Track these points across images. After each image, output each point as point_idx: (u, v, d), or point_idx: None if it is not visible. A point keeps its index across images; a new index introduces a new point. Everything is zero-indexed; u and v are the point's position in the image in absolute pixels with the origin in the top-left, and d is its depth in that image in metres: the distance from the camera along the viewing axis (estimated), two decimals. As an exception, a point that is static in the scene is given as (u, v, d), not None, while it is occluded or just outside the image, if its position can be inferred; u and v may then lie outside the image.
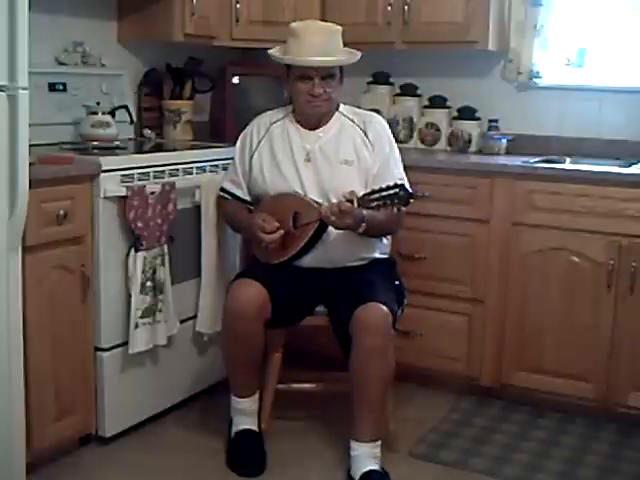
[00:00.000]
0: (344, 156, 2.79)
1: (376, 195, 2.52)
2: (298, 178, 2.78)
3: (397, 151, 2.87)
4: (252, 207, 2.92)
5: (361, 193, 2.58)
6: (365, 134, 2.81)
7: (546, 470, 2.80)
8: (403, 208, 2.57)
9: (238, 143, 2.95)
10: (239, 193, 2.93)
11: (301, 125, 2.84)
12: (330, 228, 2.68)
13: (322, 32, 2.75)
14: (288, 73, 2.78)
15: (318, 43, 2.70)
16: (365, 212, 2.57)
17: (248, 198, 2.93)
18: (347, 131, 2.82)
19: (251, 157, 2.88)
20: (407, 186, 2.58)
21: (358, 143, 2.80)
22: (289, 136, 2.84)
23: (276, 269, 2.78)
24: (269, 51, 2.82)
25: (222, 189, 2.98)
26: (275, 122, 2.89)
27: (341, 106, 2.87)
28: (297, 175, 2.79)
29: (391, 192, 2.50)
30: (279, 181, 2.81)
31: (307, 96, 2.73)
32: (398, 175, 2.80)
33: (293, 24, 2.78)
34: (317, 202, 2.73)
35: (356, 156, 2.79)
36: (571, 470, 2.81)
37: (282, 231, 2.72)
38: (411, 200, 2.54)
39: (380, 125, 2.87)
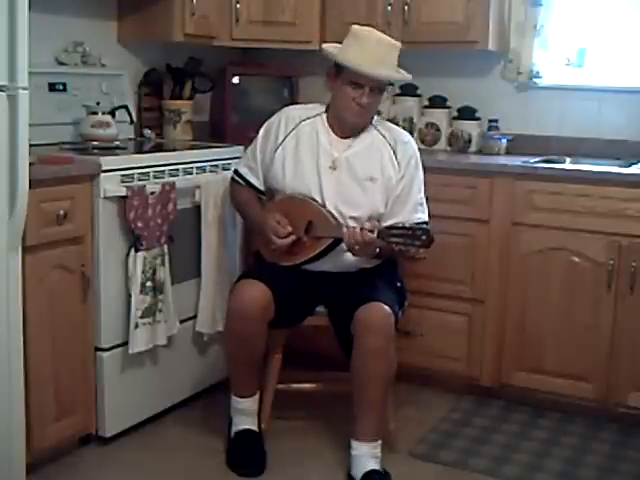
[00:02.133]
0: (370, 172, 2.73)
1: (399, 231, 2.48)
2: (319, 184, 2.72)
3: (422, 174, 2.82)
4: (264, 197, 2.88)
5: (384, 225, 2.56)
6: (394, 152, 2.76)
7: (546, 470, 2.80)
8: (421, 251, 2.53)
9: (262, 131, 2.87)
10: (255, 182, 2.87)
11: (332, 130, 2.77)
12: (341, 245, 2.64)
13: (385, 44, 2.67)
14: (337, 73, 2.69)
15: (381, 54, 2.64)
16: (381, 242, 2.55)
17: (262, 188, 2.87)
18: (377, 146, 2.76)
19: (275, 150, 2.80)
20: (430, 229, 2.52)
21: (386, 161, 2.75)
22: (318, 139, 2.76)
23: (280, 270, 2.76)
24: (324, 46, 2.74)
25: (237, 172, 2.93)
26: (305, 119, 2.80)
27: (375, 119, 2.81)
28: (318, 181, 2.72)
29: (415, 234, 2.45)
30: (298, 182, 2.75)
31: (352, 103, 2.66)
32: (419, 200, 2.76)
33: (356, 27, 2.70)
34: (334, 217, 2.68)
35: (381, 174, 2.73)
36: (571, 470, 2.81)
37: (294, 237, 2.69)
38: (431, 241, 2.47)
39: (410, 146, 2.81)
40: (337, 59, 2.67)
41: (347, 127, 2.76)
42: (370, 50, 2.63)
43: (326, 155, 2.75)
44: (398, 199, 2.73)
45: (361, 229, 2.54)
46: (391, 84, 3.88)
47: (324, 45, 2.76)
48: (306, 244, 2.71)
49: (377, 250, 2.60)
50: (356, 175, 2.73)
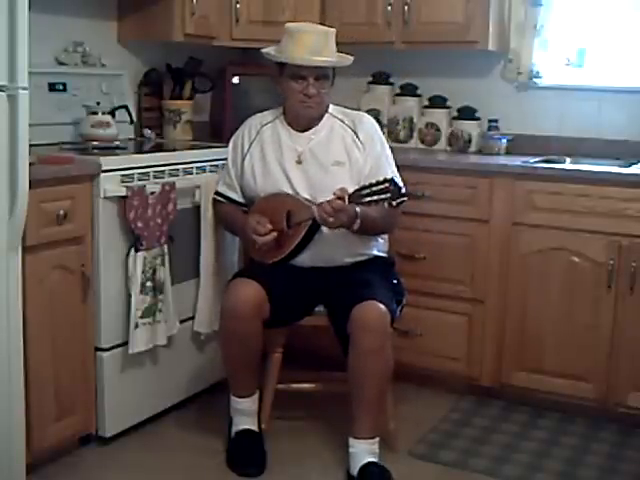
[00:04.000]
0: (335, 157, 2.79)
1: (367, 190, 2.51)
2: (288, 180, 2.79)
3: (388, 149, 2.88)
4: (247, 209, 2.92)
5: (351, 189, 2.57)
6: (355, 134, 2.82)
7: (546, 470, 2.80)
8: (394, 202, 2.56)
9: (230, 146, 2.96)
10: (234, 196, 2.94)
11: (292, 127, 2.85)
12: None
13: (317, 33, 2.75)
14: (281, 72, 2.77)
15: (314, 43, 2.71)
16: (358, 209, 2.57)
17: (243, 200, 2.94)
18: (337, 132, 2.83)
19: (243, 160, 2.89)
20: (398, 181, 2.57)
21: (349, 144, 2.80)
22: (280, 138, 2.85)
23: (274, 269, 2.78)
24: (263, 50, 2.81)
25: (217, 193, 3.00)
26: (265, 124, 2.90)
27: (330, 107, 2.87)
28: (287, 177, 2.79)
29: (382, 186, 2.48)
30: (270, 183, 2.82)
31: (300, 96, 2.74)
32: (391, 174, 2.78)
33: (289, 24, 2.81)
34: (309, 201, 2.73)
35: (347, 157, 2.79)
36: (571, 470, 2.81)
37: (275, 233, 2.73)
38: (402, 193, 2.54)
39: (370, 124, 2.87)
40: (275, 58, 2.76)
41: (303, 120, 2.83)
42: (303, 42, 2.70)
43: (290, 151, 2.82)
44: (368, 177, 2.73)
45: (329, 201, 2.56)
46: (389, 83, 3.89)
47: (263, 49, 2.82)
48: (289, 234, 2.75)
49: (356, 223, 2.60)
50: (322, 163, 2.78)
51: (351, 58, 2.82)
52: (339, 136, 2.82)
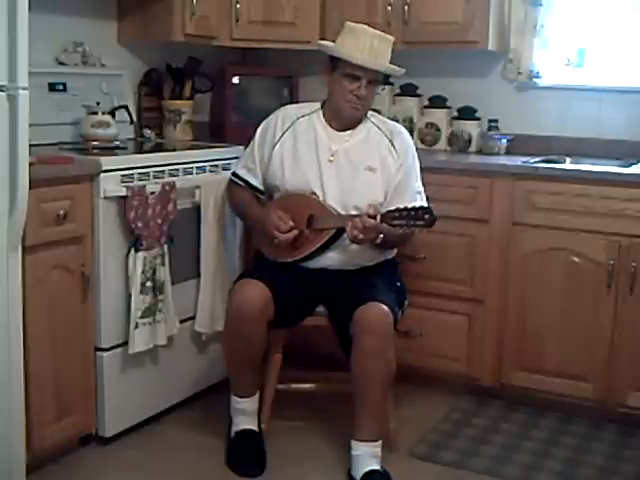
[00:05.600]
0: (368, 162, 2.76)
1: (401, 214, 2.51)
2: (319, 177, 2.75)
3: (418, 164, 2.86)
4: (263, 197, 2.90)
5: (385, 209, 2.57)
6: (391, 143, 2.80)
7: (546, 470, 2.80)
8: (425, 230, 2.55)
9: (259, 130, 2.90)
10: (254, 181, 2.89)
11: (330, 124, 2.81)
12: (344, 235, 2.65)
13: (379, 37, 2.71)
14: (333, 68, 2.73)
15: (376, 46, 2.68)
16: (385, 226, 2.56)
17: (262, 187, 2.89)
18: (374, 138, 2.80)
19: (272, 147, 2.83)
20: (432, 208, 2.55)
21: (384, 151, 2.79)
22: (316, 134, 2.80)
23: (279, 269, 2.77)
24: (320, 41, 2.78)
25: (234, 174, 2.95)
26: (301, 117, 2.85)
27: (369, 113, 2.85)
28: (319, 174, 2.76)
29: (417, 214, 2.48)
30: (298, 177, 2.77)
31: (350, 96, 2.71)
32: (417, 188, 2.80)
33: (350, 23, 2.76)
34: (334, 209, 2.71)
35: (380, 164, 2.76)
36: (571, 470, 2.81)
37: (296, 231, 2.70)
38: (434, 222, 2.52)
39: (406, 136, 2.87)
40: (334, 52, 2.72)
41: (344, 120, 2.79)
42: (365, 43, 2.67)
43: (324, 148, 2.78)
44: (397, 188, 2.75)
45: (361, 216, 2.55)
46: (389, 83, 3.89)
47: (320, 41, 2.80)
48: (309, 238, 2.73)
49: (379, 238, 2.60)
50: (355, 166, 2.76)
51: (403, 70, 2.81)
52: (375, 142, 2.80)
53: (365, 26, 2.74)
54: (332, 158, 2.77)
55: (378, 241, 2.61)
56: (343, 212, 2.70)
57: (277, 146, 2.83)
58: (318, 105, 2.87)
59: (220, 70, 3.87)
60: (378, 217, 2.52)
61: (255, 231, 2.95)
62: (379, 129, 2.82)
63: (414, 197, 2.76)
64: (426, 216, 2.49)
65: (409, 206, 2.54)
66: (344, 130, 2.81)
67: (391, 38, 2.75)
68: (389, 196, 2.75)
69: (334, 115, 2.80)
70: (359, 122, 2.82)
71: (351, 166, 2.76)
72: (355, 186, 2.73)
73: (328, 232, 2.70)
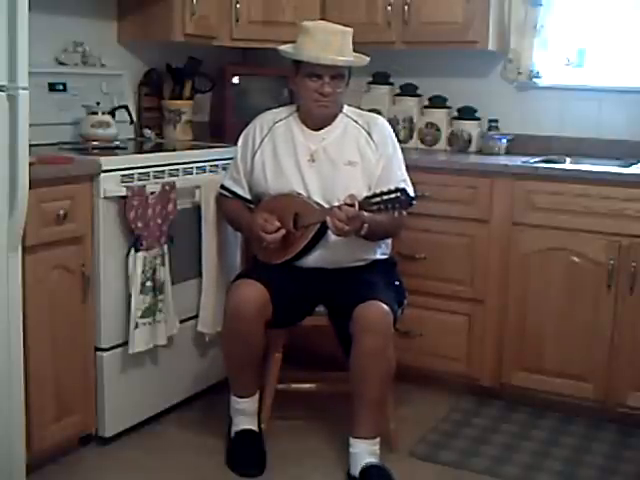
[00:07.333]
0: (348, 157, 2.78)
1: (377, 199, 2.52)
2: (301, 179, 2.78)
3: (400, 153, 2.87)
4: (253, 206, 2.92)
5: (362, 196, 2.57)
6: (369, 135, 2.81)
7: (546, 470, 2.80)
8: (404, 212, 2.57)
9: (240, 141, 2.94)
10: (240, 191, 2.93)
11: (305, 125, 2.84)
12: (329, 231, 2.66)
13: (336, 32, 2.73)
14: (297, 70, 2.76)
15: (332, 42, 2.69)
16: (366, 214, 2.57)
17: (249, 196, 2.92)
18: (351, 132, 2.82)
19: (253, 155, 2.87)
20: (409, 190, 2.58)
21: (362, 144, 2.80)
22: (293, 136, 2.83)
23: (277, 269, 2.78)
24: (279, 47, 2.79)
25: (223, 187, 2.98)
26: (278, 121, 2.88)
27: (345, 107, 2.87)
28: (300, 175, 2.78)
29: (392, 196, 2.49)
30: (281, 181, 2.80)
31: (315, 95, 2.73)
32: (401, 177, 2.80)
33: (306, 22, 2.78)
34: (318, 204, 2.73)
35: (360, 157, 2.78)
36: (571, 470, 2.81)
37: (283, 231, 2.72)
38: (412, 204, 2.56)
39: (384, 127, 2.87)
40: (293, 55, 2.74)
41: (317, 119, 2.82)
42: (321, 40, 2.69)
43: (303, 149, 2.80)
44: (380, 179, 2.75)
45: (340, 206, 2.56)
46: (389, 83, 3.89)
47: (280, 47, 2.80)
48: (296, 236, 2.74)
49: (364, 228, 2.59)
50: (335, 162, 2.78)
51: (367, 58, 2.81)
52: (353, 136, 2.81)
53: (320, 22, 2.81)
54: (312, 158, 2.79)
55: (363, 232, 2.60)
56: (327, 206, 2.70)
57: (258, 153, 2.86)
58: (294, 107, 2.90)
59: (220, 70, 3.86)
60: (356, 205, 2.53)
61: (249, 238, 2.97)
62: (356, 123, 2.84)
63: (399, 186, 2.76)
64: (402, 197, 2.49)
65: (385, 189, 2.54)
66: (320, 129, 2.82)
67: (348, 30, 2.76)
68: (373, 187, 2.73)
69: (307, 116, 2.83)
70: (334, 118, 2.83)
71: (331, 163, 2.78)
72: (337, 182, 2.75)
73: (314, 227, 2.71)
